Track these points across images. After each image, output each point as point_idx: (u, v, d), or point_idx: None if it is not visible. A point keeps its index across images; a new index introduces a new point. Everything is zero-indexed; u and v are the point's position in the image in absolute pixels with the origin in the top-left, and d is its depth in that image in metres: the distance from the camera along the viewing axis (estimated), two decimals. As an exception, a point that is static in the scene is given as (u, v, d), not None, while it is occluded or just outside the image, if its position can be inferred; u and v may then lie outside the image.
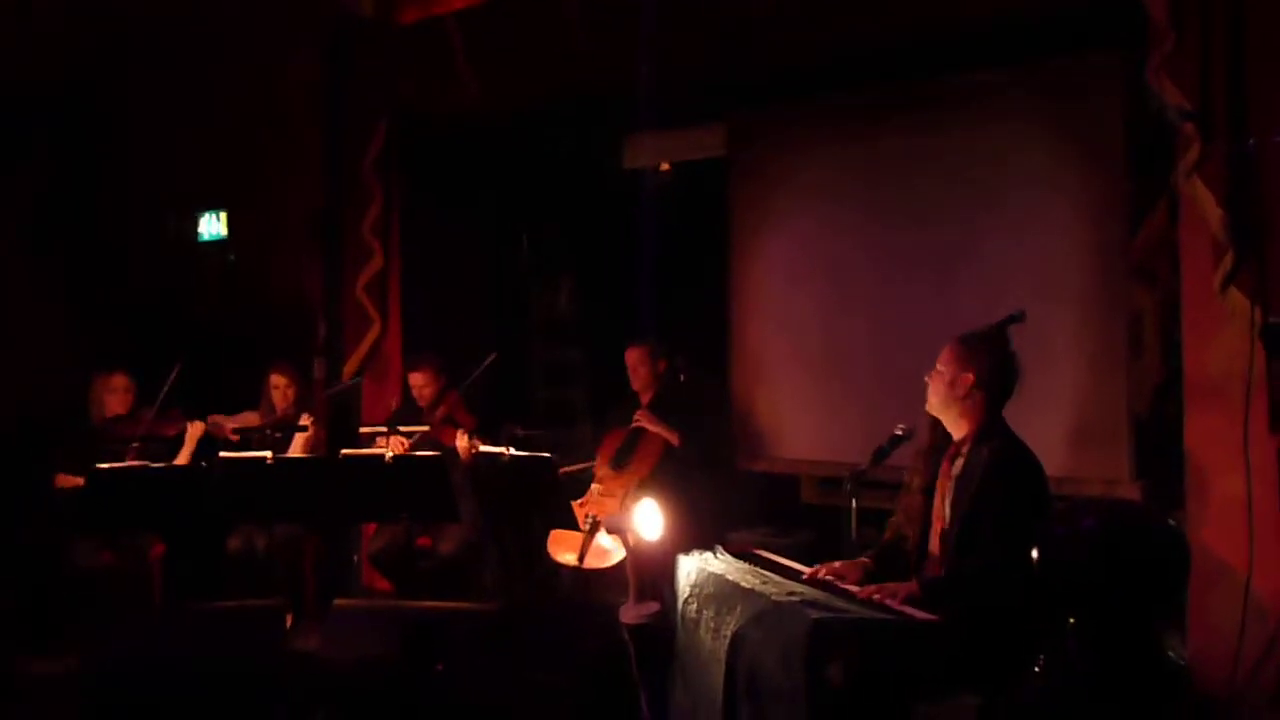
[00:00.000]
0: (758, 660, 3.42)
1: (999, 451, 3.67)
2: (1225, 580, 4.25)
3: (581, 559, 5.66)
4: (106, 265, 7.69)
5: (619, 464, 5.99)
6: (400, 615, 4.82)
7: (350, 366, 6.98)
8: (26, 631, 5.69)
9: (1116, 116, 5.39)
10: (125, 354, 6.48)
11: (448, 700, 4.49)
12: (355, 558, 6.74)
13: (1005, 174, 5.79)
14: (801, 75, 6.33)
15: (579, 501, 5.86)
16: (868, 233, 6.33)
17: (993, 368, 3.77)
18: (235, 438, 6.18)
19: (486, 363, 6.03)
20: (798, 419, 6.67)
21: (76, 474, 5.60)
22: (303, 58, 7.18)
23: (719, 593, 3.78)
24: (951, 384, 3.78)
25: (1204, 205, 4.27)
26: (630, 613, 4.90)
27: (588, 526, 5.69)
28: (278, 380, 6.38)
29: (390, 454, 5.39)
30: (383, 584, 6.36)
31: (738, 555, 4.11)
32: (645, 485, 5.80)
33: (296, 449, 6.18)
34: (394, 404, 6.62)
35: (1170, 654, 3.20)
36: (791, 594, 3.57)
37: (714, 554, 4.09)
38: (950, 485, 3.77)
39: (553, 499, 5.45)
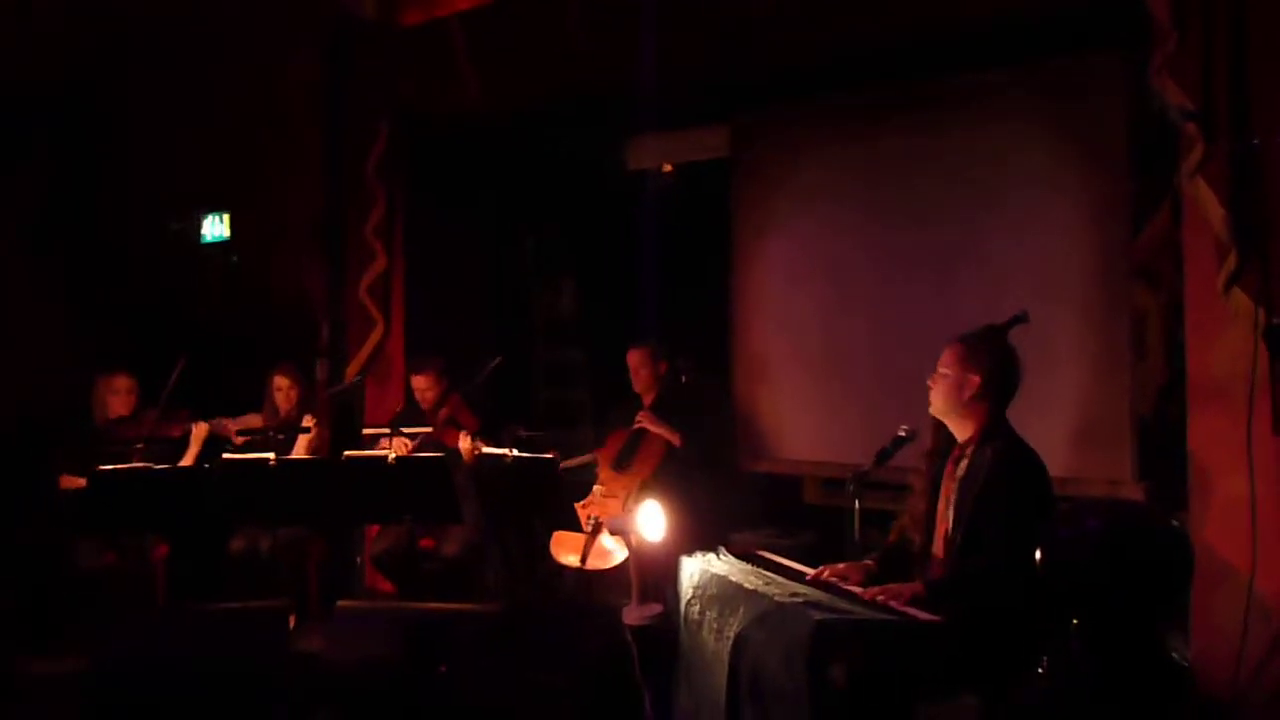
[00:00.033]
0: (761, 661, 3.42)
1: (1002, 453, 3.67)
2: (1228, 581, 4.25)
3: (584, 560, 5.67)
4: (107, 266, 7.69)
5: (621, 465, 5.99)
6: (403, 616, 4.83)
7: (353, 368, 7.00)
8: (29, 632, 5.69)
9: (1118, 117, 5.39)
10: (127, 355, 6.49)
11: (450, 701, 4.50)
12: (358, 559, 6.75)
13: (1006, 174, 5.79)
14: (803, 76, 6.33)
15: (581, 503, 5.86)
16: (870, 233, 6.33)
17: (997, 369, 3.77)
18: (240, 439, 6.18)
19: (492, 365, 6.04)
20: (800, 420, 6.67)
21: (80, 475, 5.60)
22: (303, 58, 7.19)
23: (722, 594, 3.77)
24: (958, 386, 3.77)
25: (1207, 206, 4.27)
26: (633, 614, 4.89)
27: (590, 528, 5.69)
28: (280, 382, 6.39)
29: (393, 455, 5.39)
30: (386, 585, 6.36)
31: (741, 556, 4.11)
32: (647, 486, 5.80)
33: (300, 450, 6.19)
34: (397, 406, 6.62)
35: (1173, 655, 3.20)
36: (794, 595, 3.57)
37: (717, 555, 4.09)
38: (954, 487, 3.77)
39: (555, 500, 5.46)
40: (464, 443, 5.88)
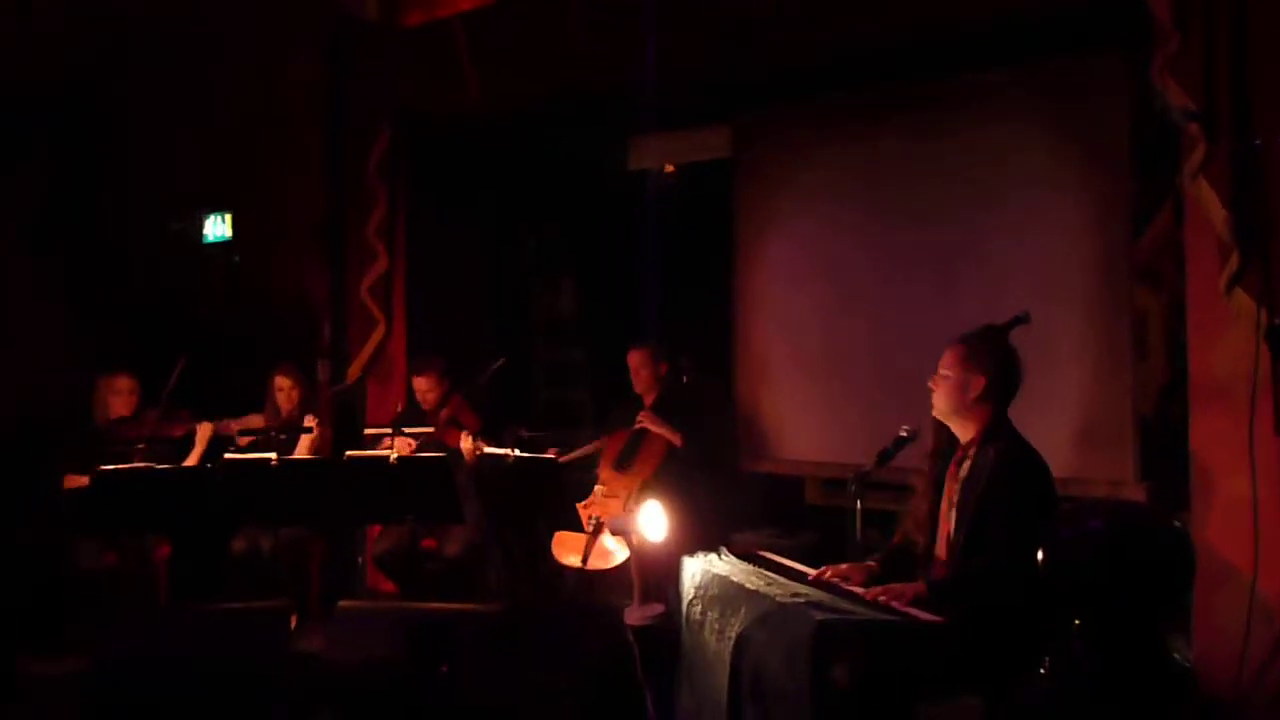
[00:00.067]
0: (762, 661, 3.42)
1: (1005, 453, 3.66)
2: (1230, 581, 4.25)
3: (585, 560, 5.67)
4: (108, 266, 7.69)
5: (622, 465, 5.99)
6: (405, 616, 4.82)
7: (355, 368, 7.00)
8: (30, 632, 5.69)
9: (1119, 117, 5.39)
10: (128, 355, 6.48)
11: (452, 701, 4.49)
12: (360, 559, 6.75)
13: (1007, 175, 5.79)
14: (805, 76, 6.33)
15: (583, 503, 5.85)
16: (871, 234, 6.33)
17: (1001, 370, 3.76)
18: (244, 440, 6.18)
19: (495, 366, 6.04)
20: (801, 420, 6.67)
21: (83, 474, 5.60)
22: (303, 58, 7.19)
23: (724, 594, 3.77)
24: (961, 387, 3.76)
25: (1209, 206, 4.27)
26: (635, 614, 4.90)
27: (591, 528, 5.69)
28: (282, 382, 6.39)
29: (395, 456, 5.39)
30: (387, 585, 6.37)
31: (742, 557, 4.11)
32: (649, 486, 5.79)
33: (302, 450, 6.19)
34: (398, 406, 6.62)
35: (1175, 655, 3.20)
36: (796, 595, 3.57)
37: (718, 555, 4.09)
38: (957, 488, 3.77)
39: (557, 500, 5.46)
40: (465, 443, 5.89)
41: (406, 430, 6.00)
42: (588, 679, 4.61)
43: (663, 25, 5.69)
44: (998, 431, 3.74)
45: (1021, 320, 3.92)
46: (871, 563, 3.95)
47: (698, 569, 4.00)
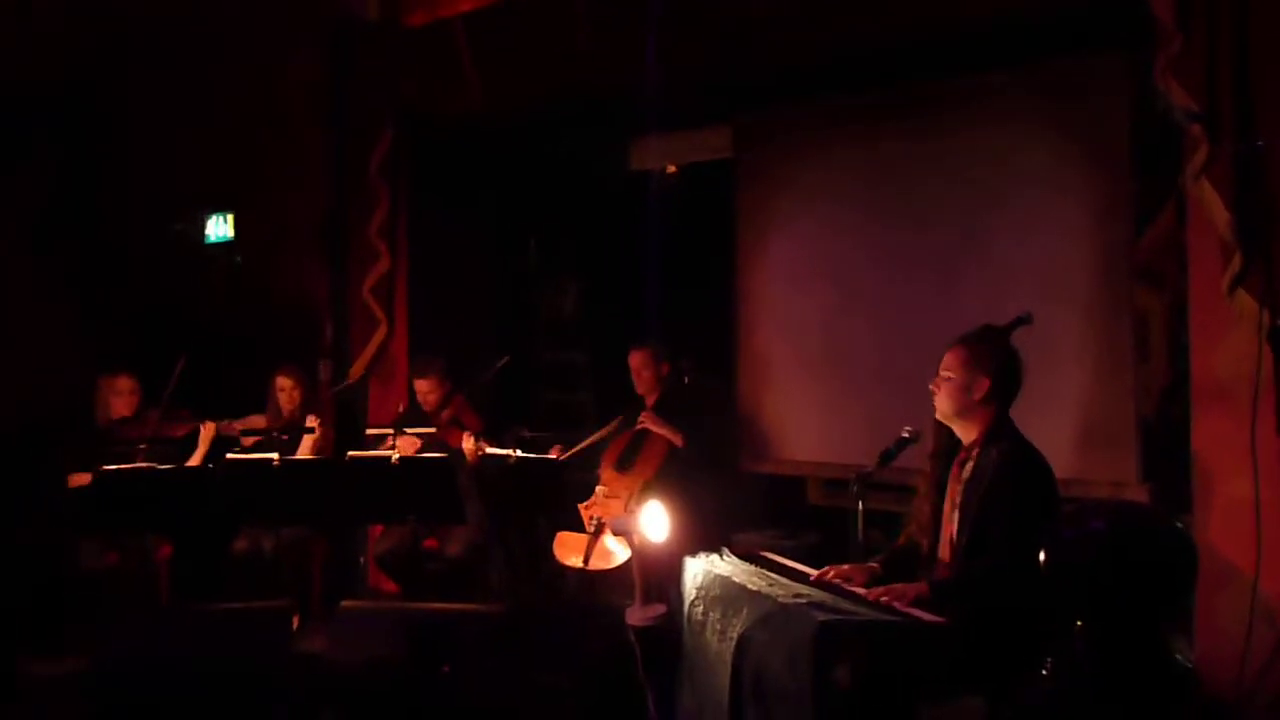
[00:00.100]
0: (764, 662, 3.42)
1: (1008, 453, 3.66)
2: (1233, 582, 4.25)
3: (586, 561, 5.67)
4: (109, 266, 7.70)
5: (624, 466, 5.98)
6: (407, 617, 4.82)
7: (357, 368, 7.00)
8: (32, 632, 5.69)
9: (1121, 117, 5.39)
10: (130, 356, 6.49)
11: (454, 701, 4.50)
12: (362, 559, 6.75)
13: (1009, 175, 5.79)
14: (807, 76, 6.33)
15: (584, 503, 5.85)
16: (873, 234, 6.33)
17: (1004, 370, 3.76)
18: (248, 440, 6.18)
19: (498, 365, 6.05)
20: (804, 420, 6.67)
21: (88, 473, 5.60)
22: (305, 58, 7.20)
23: (725, 595, 3.77)
24: (965, 388, 3.75)
25: (1211, 207, 4.27)
26: (636, 615, 4.89)
27: (593, 528, 5.69)
28: (283, 383, 6.39)
29: (396, 456, 5.39)
30: (389, 585, 6.37)
31: (744, 557, 4.10)
32: (650, 487, 5.79)
33: (305, 451, 6.19)
34: (400, 406, 6.62)
35: (1177, 656, 3.20)
36: (798, 596, 3.57)
37: (720, 556, 4.09)
38: (959, 489, 3.77)
39: (558, 501, 5.45)
40: (468, 443, 5.89)
41: (409, 431, 6.00)
42: (589, 679, 4.61)
43: (664, 26, 5.69)
44: (1000, 432, 3.74)
45: (1023, 321, 3.92)
46: (873, 563, 3.95)
47: (699, 569, 4.00)
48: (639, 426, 6.03)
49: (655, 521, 4.73)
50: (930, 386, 3.86)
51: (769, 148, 6.87)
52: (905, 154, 6.17)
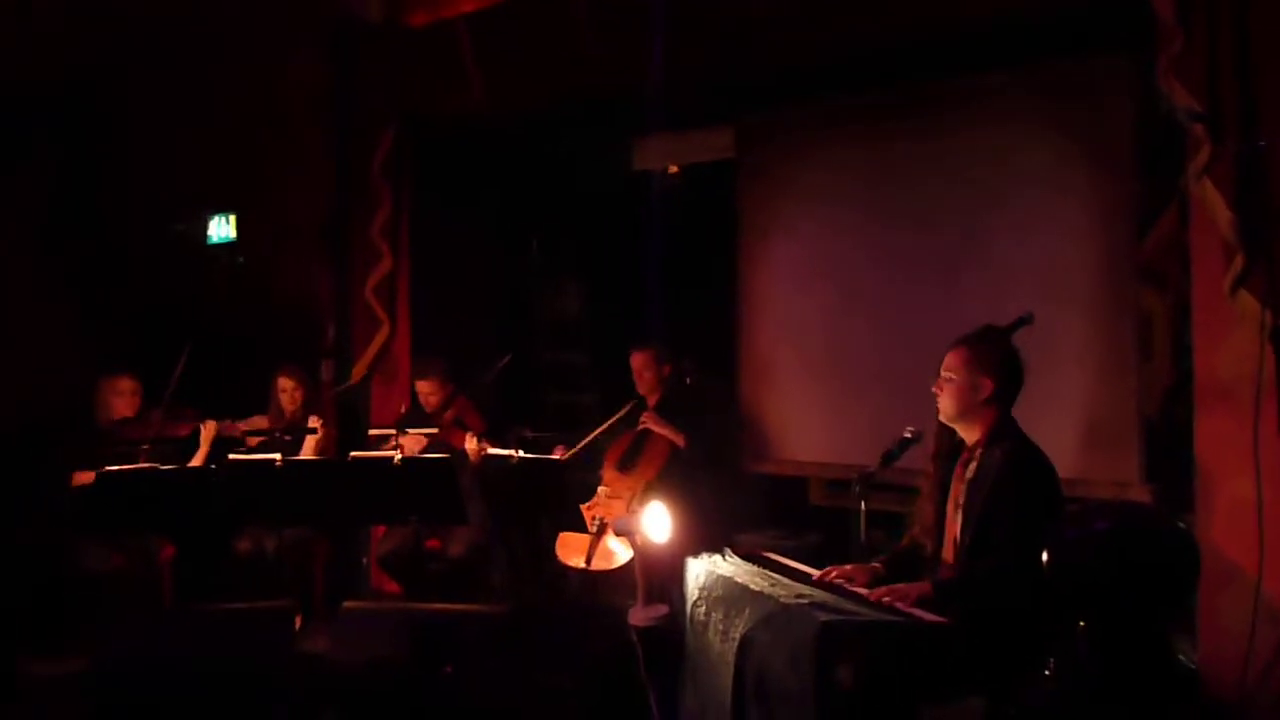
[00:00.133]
0: (766, 662, 3.42)
1: (1011, 453, 3.66)
2: (1235, 583, 4.24)
3: (589, 561, 5.67)
4: (110, 266, 7.70)
5: (626, 466, 5.98)
6: (409, 617, 4.82)
7: (359, 368, 7.00)
8: (33, 632, 5.69)
9: (1124, 118, 5.39)
10: (131, 356, 6.49)
11: (456, 702, 4.49)
12: (364, 560, 6.76)
13: (1012, 176, 5.79)
14: (809, 77, 6.33)
15: (586, 504, 5.85)
16: (876, 235, 6.33)
17: (1008, 370, 3.76)
18: (253, 441, 6.17)
19: (501, 364, 6.05)
20: (805, 421, 6.67)
21: (92, 472, 5.61)
22: (306, 59, 7.20)
23: (728, 595, 3.77)
24: (970, 389, 3.74)
25: (1214, 207, 4.26)
26: (638, 615, 4.90)
27: (595, 529, 5.69)
28: (285, 383, 6.39)
29: (399, 457, 5.39)
30: (391, 586, 6.37)
31: (746, 557, 4.11)
32: (652, 488, 5.79)
33: (307, 451, 6.19)
34: (402, 407, 6.62)
35: (1180, 657, 3.20)
36: (800, 596, 3.57)
37: (722, 556, 4.09)
38: (963, 489, 3.76)
39: (560, 501, 5.45)
40: (470, 444, 5.89)
41: (411, 431, 6.00)
42: (592, 680, 4.60)
43: (667, 27, 5.69)
44: (1004, 433, 3.74)
45: (1025, 321, 3.92)
46: (876, 564, 3.95)
47: (702, 570, 4.00)
48: (641, 427, 6.03)
49: (657, 522, 4.75)
50: (933, 389, 3.85)
51: (771, 148, 6.87)
52: (907, 154, 6.17)
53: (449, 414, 6.11)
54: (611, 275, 7.57)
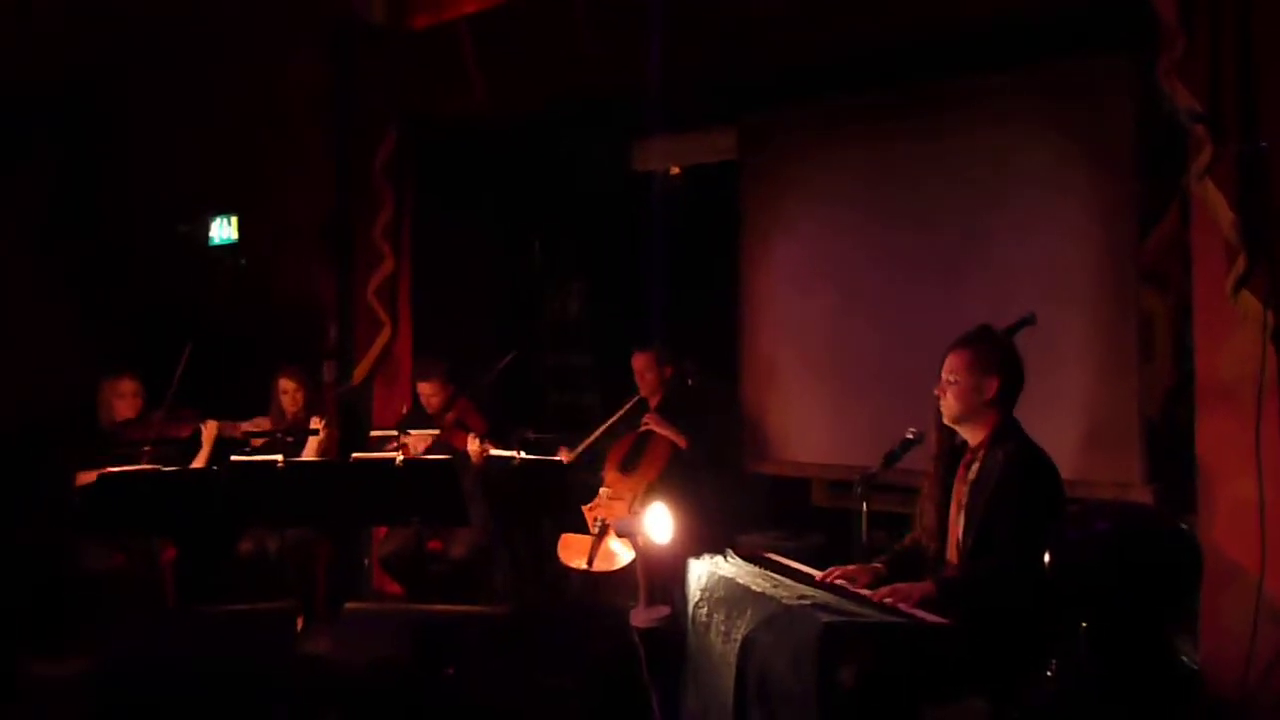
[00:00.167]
0: (768, 664, 3.42)
1: (1014, 454, 3.66)
2: (1237, 583, 4.24)
3: (591, 562, 5.67)
4: (111, 267, 7.70)
5: (628, 468, 5.99)
6: (411, 618, 4.82)
7: (361, 369, 7.00)
8: (37, 633, 5.69)
9: (1125, 118, 5.39)
10: (133, 357, 6.49)
11: (458, 703, 4.49)
12: (366, 561, 6.75)
13: (1014, 176, 5.79)
14: (812, 77, 6.34)
15: (588, 505, 5.86)
16: (877, 235, 6.33)
17: (1011, 370, 3.76)
18: (257, 441, 6.17)
19: (505, 361, 6.05)
20: (807, 422, 6.67)
21: (95, 470, 5.61)
22: (307, 60, 7.20)
23: (729, 596, 3.77)
24: (975, 390, 3.73)
25: (1216, 208, 4.26)
26: (641, 616, 4.90)
27: (597, 530, 5.69)
28: (286, 385, 6.39)
29: (400, 458, 5.39)
30: (393, 587, 6.37)
31: (748, 558, 4.11)
32: (654, 489, 5.79)
33: (309, 453, 6.19)
34: (404, 408, 6.63)
35: (1182, 657, 3.20)
36: (802, 597, 3.57)
37: (724, 557, 4.09)
38: (965, 490, 3.76)
39: (562, 502, 5.45)
40: (473, 445, 5.89)
41: (413, 432, 6.00)
42: (593, 681, 4.60)
43: (667, 27, 5.69)
44: (1007, 433, 3.73)
45: (1028, 322, 3.92)
46: (877, 564, 3.95)
47: (703, 571, 4.00)
48: (643, 428, 6.03)
49: (659, 523, 4.75)
50: (935, 392, 3.85)
51: (773, 149, 6.87)
52: (908, 155, 6.17)
53: (450, 415, 6.11)
54: (613, 276, 7.58)
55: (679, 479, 5.86)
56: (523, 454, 5.43)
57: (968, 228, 5.93)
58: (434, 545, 5.97)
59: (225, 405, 6.37)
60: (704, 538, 4.59)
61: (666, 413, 6.03)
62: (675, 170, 7.57)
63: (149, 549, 5.97)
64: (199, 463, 6.03)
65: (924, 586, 3.59)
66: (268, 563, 5.98)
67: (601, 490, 5.97)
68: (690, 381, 6.18)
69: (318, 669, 4.75)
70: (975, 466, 3.76)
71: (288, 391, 6.38)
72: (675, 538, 4.82)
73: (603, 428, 6.05)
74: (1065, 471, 3.79)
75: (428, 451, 5.90)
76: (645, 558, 5.47)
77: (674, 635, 4.10)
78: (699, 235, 7.12)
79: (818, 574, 3.92)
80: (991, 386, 3.73)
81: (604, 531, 5.68)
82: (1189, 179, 4.41)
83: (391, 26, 6.67)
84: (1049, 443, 3.79)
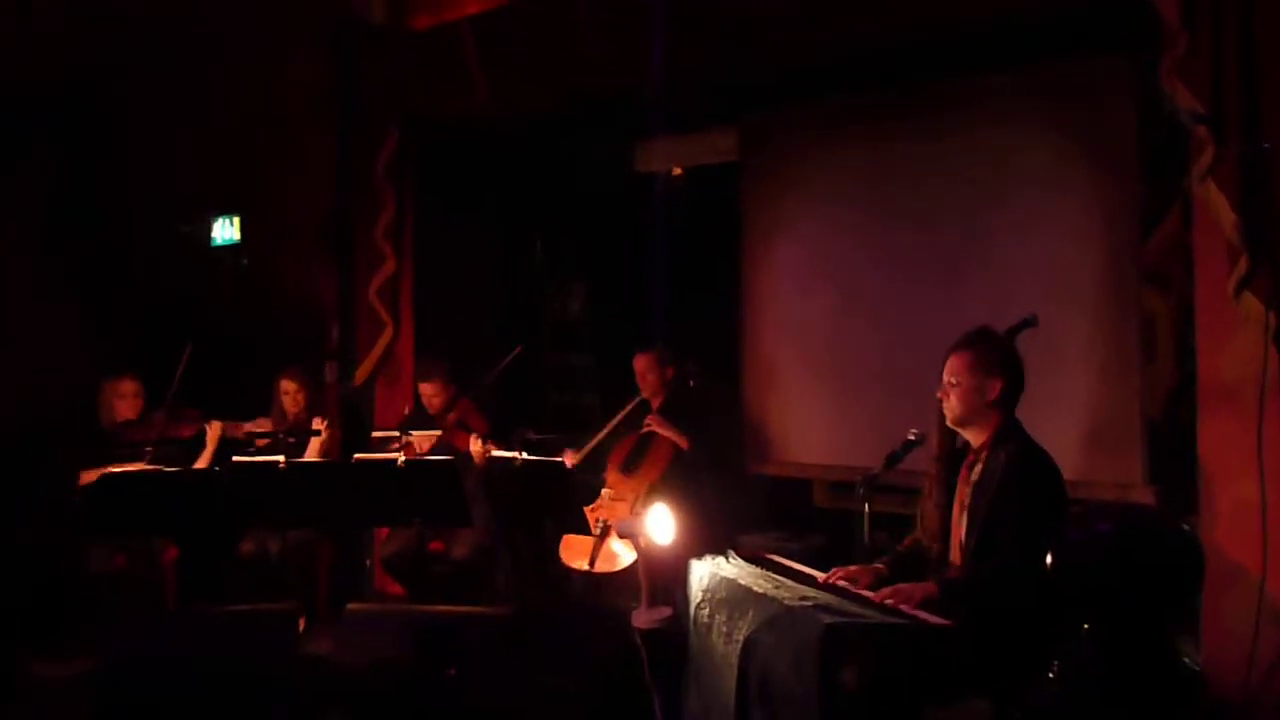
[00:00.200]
0: (770, 665, 3.42)
1: (1016, 455, 3.66)
2: (1239, 584, 4.24)
3: (592, 563, 5.68)
4: (112, 268, 7.70)
5: (629, 469, 5.99)
6: (412, 619, 4.82)
7: (363, 370, 7.00)
8: (39, 634, 5.69)
9: (1127, 119, 5.39)
10: (133, 357, 6.49)
11: (460, 704, 4.50)
12: (368, 562, 6.75)
13: (1015, 177, 5.79)
14: (813, 78, 6.34)
15: (590, 506, 5.86)
16: (878, 236, 6.33)
17: (1013, 370, 3.76)
18: (261, 442, 6.17)
19: (511, 356, 6.06)
20: (809, 423, 6.67)
21: (98, 469, 5.62)
22: (308, 60, 7.20)
23: (731, 597, 3.77)
24: (978, 391, 3.73)
25: (1218, 209, 4.26)
26: (642, 617, 4.88)
27: (599, 531, 5.69)
28: (288, 386, 6.39)
29: (402, 459, 5.39)
30: (395, 588, 6.37)
31: (750, 559, 4.11)
32: (656, 490, 5.79)
33: (311, 453, 6.19)
34: (406, 409, 6.63)
35: (1184, 659, 3.20)
36: (804, 599, 3.57)
37: (726, 558, 4.09)
38: (968, 491, 3.76)
39: (564, 503, 5.45)
40: (475, 445, 5.89)
41: (415, 433, 6.01)
42: (595, 682, 4.61)
43: (668, 28, 5.69)
44: (1009, 434, 3.73)
45: (1030, 323, 3.92)
46: (879, 565, 3.95)
47: (705, 572, 4.00)
48: (645, 430, 6.03)
49: (661, 524, 4.73)
50: (937, 394, 3.84)
51: (774, 150, 6.87)
52: (908, 155, 6.17)
53: (452, 416, 6.12)
54: (614, 277, 7.58)
55: (681, 480, 5.86)
56: (525, 455, 5.43)
57: (968, 228, 5.93)
58: (436, 546, 5.97)
59: (226, 406, 6.37)
60: (706, 539, 4.58)
61: (668, 414, 6.03)
62: (676, 171, 7.57)
63: (150, 549, 5.97)
64: (202, 463, 6.03)
65: (926, 587, 3.59)
66: (269, 563, 5.98)
67: (603, 491, 5.97)
68: (691, 383, 6.17)
69: (319, 670, 4.76)
70: (978, 468, 3.76)
71: (289, 392, 6.38)
72: (677, 539, 4.80)
73: (606, 429, 6.05)
74: (1067, 472, 3.79)
75: (430, 452, 5.90)
76: (647, 559, 5.45)
77: (676, 636, 4.10)
78: (700, 236, 7.12)
79: (820, 575, 3.91)
80: (995, 387, 3.73)
81: (606, 532, 5.68)
82: (1191, 180, 4.40)
83: (392, 27, 6.67)
84: (1050, 443, 3.79)
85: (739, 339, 7.00)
